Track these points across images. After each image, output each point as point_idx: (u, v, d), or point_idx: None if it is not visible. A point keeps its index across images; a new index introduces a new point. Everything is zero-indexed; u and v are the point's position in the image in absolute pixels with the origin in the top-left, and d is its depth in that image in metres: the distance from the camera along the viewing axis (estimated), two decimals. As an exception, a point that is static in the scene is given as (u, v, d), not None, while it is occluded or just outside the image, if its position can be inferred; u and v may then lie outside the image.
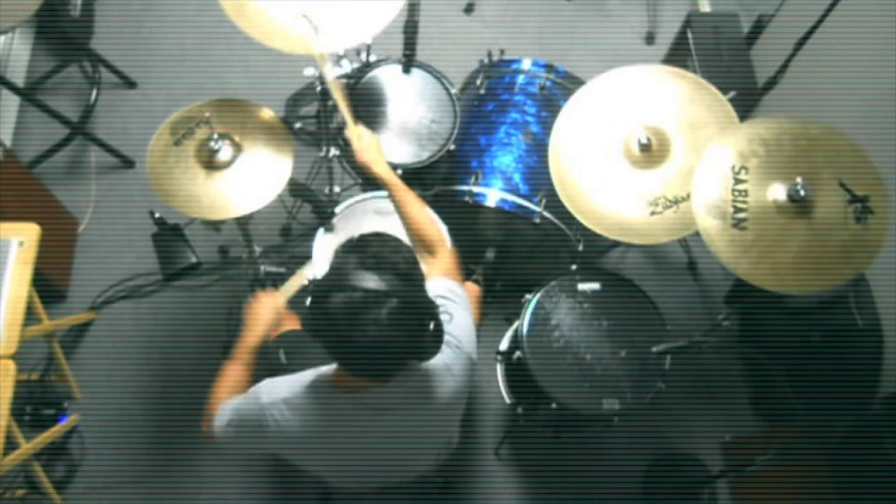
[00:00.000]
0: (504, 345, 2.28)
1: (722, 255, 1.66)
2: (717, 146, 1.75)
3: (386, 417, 1.32)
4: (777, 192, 1.71)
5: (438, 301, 1.41)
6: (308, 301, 1.21)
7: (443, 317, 1.40)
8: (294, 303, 1.73)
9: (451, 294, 1.46)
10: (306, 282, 1.79)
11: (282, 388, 1.32)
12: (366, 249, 1.22)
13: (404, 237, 1.96)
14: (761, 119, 1.76)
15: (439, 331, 1.25)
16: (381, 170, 1.64)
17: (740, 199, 1.70)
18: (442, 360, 1.35)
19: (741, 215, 1.69)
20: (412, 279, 1.23)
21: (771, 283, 1.65)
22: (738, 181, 1.72)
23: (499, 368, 2.27)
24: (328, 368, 1.34)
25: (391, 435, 1.36)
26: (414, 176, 2.24)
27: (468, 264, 2.38)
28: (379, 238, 1.26)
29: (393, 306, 1.15)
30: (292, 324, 1.86)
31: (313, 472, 1.49)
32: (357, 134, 1.68)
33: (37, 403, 2.35)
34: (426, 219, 1.63)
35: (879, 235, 1.65)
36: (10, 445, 1.86)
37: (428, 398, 1.34)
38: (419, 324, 1.20)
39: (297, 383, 1.32)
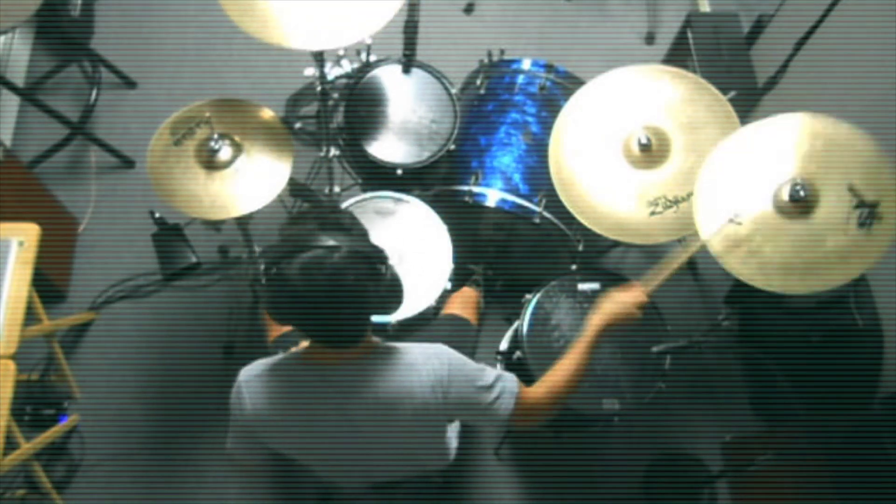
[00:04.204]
0: (504, 345, 2.27)
1: (721, 258, 1.66)
2: (722, 146, 1.74)
3: (353, 401, 1.35)
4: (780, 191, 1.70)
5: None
6: (263, 280, 1.26)
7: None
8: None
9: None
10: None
11: (257, 367, 1.39)
12: (305, 217, 1.30)
13: (403, 238, 1.98)
14: (782, 116, 1.73)
15: (395, 278, 1.33)
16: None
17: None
18: (415, 358, 1.37)
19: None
20: (356, 231, 1.31)
21: (760, 280, 1.64)
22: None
23: (499, 368, 2.27)
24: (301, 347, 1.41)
25: (363, 426, 1.38)
26: (414, 176, 2.24)
27: (468, 264, 2.38)
28: (314, 208, 1.34)
29: (343, 255, 1.21)
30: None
31: (303, 463, 1.52)
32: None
33: (37, 403, 2.35)
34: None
35: (883, 241, 1.60)
36: (10, 445, 1.86)
37: (393, 389, 1.34)
38: (370, 268, 1.26)
39: (270, 361, 1.39)
